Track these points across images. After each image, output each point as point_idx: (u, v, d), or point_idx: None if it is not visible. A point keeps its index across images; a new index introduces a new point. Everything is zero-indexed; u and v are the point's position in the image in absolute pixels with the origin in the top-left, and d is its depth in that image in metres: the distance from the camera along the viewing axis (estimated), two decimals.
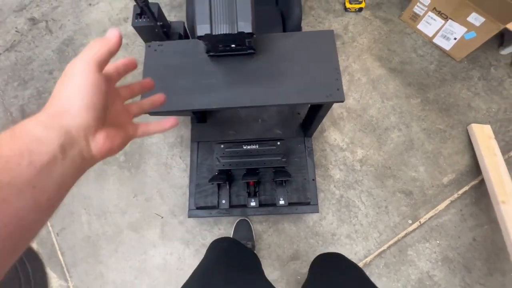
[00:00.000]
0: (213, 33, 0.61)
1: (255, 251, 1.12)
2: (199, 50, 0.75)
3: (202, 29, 0.61)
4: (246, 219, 1.15)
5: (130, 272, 1.15)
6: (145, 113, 0.35)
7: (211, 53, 0.73)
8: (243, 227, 1.14)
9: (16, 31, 1.51)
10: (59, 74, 1.42)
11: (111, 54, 0.25)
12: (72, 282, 1.15)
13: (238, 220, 1.15)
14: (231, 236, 1.13)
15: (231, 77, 0.73)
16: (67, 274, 1.16)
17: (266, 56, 0.74)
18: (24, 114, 1.37)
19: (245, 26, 0.60)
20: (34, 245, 1.19)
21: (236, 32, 0.61)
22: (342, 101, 0.70)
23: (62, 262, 1.17)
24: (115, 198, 1.23)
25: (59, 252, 1.18)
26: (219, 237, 0.78)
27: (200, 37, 0.63)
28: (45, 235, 1.20)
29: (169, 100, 0.73)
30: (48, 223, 1.21)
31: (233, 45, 0.68)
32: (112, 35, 0.26)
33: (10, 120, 1.37)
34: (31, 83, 1.42)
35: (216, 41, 0.66)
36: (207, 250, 0.73)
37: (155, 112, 0.83)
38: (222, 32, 0.61)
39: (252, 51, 0.72)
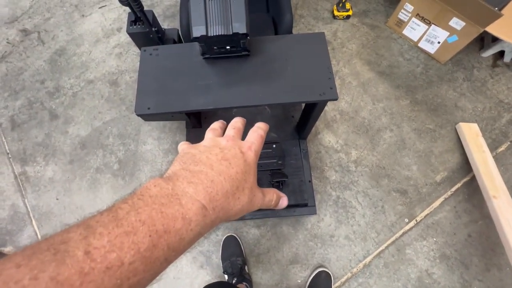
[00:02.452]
0: (209, 35, 0.63)
1: (246, 267, 1.08)
2: (194, 53, 0.76)
3: (198, 31, 0.62)
4: (234, 235, 1.13)
5: None
6: None
7: (207, 56, 0.74)
8: (231, 243, 1.10)
9: (8, 42, 1.51)
10: (51, 84, 1.42)
11: None
12: None
13: (225, 237, 1.12)
14: (220, 255, 1.11)
15: (226, 78, 0.75)
16: None
17: (260, 57, 0.76)
18: (14, 124, 1.34)
19: (240, 27, 0.62)
20: None
21: (231, 33, 0.62)
22: (336, 99, 0.72)
23: None
24: None
25: None
26: (210, 282, 0.73)
27: (195, 39, 0.64)
28: None
29: (165, 102, 0.74)
30: (39, 235, 1.17)
31: (228, 47, 0.70)
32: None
33: (0, 131, 1.34)
34: (22, 93, 1.40)
35: (211, 43, 0.68)
36: None
37: (150, 116, 0.84)
38: (217, 34, 0.63)
39: (247, 52, 0.74)
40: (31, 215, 1.20)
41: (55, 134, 1.33)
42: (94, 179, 1.24)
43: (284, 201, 0.31)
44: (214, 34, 0.63)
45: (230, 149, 0.26)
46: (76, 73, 1.44)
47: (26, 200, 1.23)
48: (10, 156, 1.30)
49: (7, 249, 1.15)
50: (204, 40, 0.65)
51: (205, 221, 0.22)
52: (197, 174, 0.23)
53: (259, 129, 0.31)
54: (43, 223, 1.19)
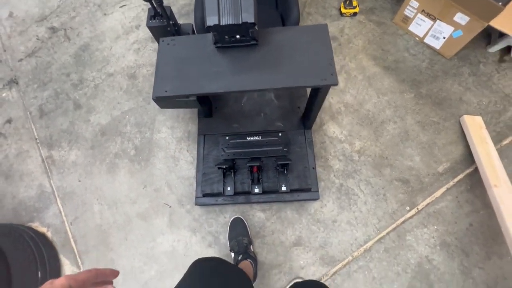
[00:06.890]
0: (221, 24, 0.70)
1: (251, 246, 1.15)
2: (207, 43, 0.84)
3: (211, 20, 0.70)
4: (240, 217, 1.20)
5: (139, 258, 1.20)
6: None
7: (219, 45, 0.82)
8: (238, 224, 1.18)
9: (37, 38, 1.64)
10: (75, 77, 1.54)
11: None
12: (83, 269, 1.19)
13: (232, 219, 1.19)
14: (227, 235, 1.18)
15: (236, 65, 0.82)
16: (79, 261, 1.21)
17: (267, 47, 0.83)
18: (42, 113, 1.47)
19: (248, 16, 0.69)
20: (49, 233, 1.25)
21: (240, 22, 0.70)
22: (336, 85, 0.78)
23: (75, 250, 1.22)
24: (126, 189, 1.30)
25: (72, 240, 1.24)
26: (203, 256, 0.71)
27: (209, 28, 0.72)
28: (59, 224, 1.26)
29: (182, 86, 0.82)
30: (62, 213, 1.28)
31: (238, 36, 0.78)
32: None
33: (30, 118, 1.46)
34: (49, 85, 1.53)
35: (223, 32, 0.75)
36: (187, 271, 0.66)
37: (166, 101, 0.92)
38: (228, 23, 0.70)
39: (255, 42, 0.81)
40: (56, 194, 1.31)
41: (78, 122, 1.44)
42: (113, 164, 1.34)
43: None
44: (226, 24, 0.70)
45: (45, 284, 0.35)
46: (98, 66, 1.55)
47: (51, 181, 1.34)
48: (38, 141, 1.42)
49: (35, 224, 1.27)
50: (217, 29, 0.72)
51: None
52: None
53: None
54: (67, 202, 1.30)
